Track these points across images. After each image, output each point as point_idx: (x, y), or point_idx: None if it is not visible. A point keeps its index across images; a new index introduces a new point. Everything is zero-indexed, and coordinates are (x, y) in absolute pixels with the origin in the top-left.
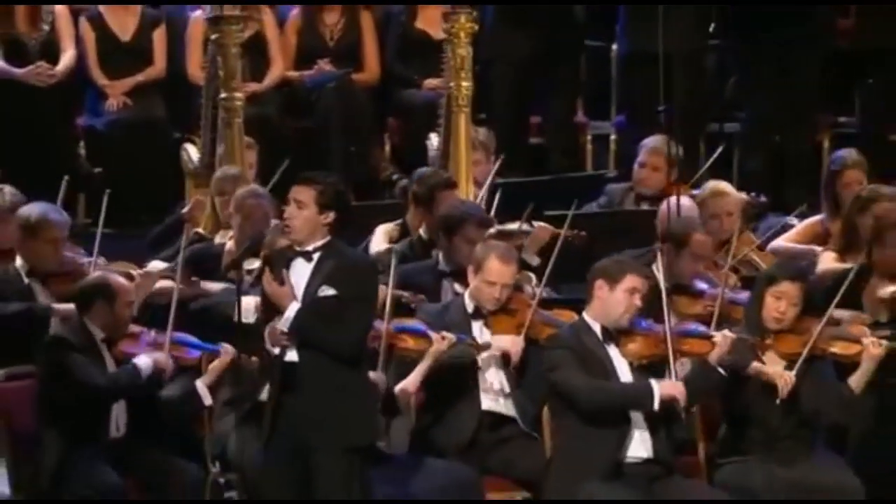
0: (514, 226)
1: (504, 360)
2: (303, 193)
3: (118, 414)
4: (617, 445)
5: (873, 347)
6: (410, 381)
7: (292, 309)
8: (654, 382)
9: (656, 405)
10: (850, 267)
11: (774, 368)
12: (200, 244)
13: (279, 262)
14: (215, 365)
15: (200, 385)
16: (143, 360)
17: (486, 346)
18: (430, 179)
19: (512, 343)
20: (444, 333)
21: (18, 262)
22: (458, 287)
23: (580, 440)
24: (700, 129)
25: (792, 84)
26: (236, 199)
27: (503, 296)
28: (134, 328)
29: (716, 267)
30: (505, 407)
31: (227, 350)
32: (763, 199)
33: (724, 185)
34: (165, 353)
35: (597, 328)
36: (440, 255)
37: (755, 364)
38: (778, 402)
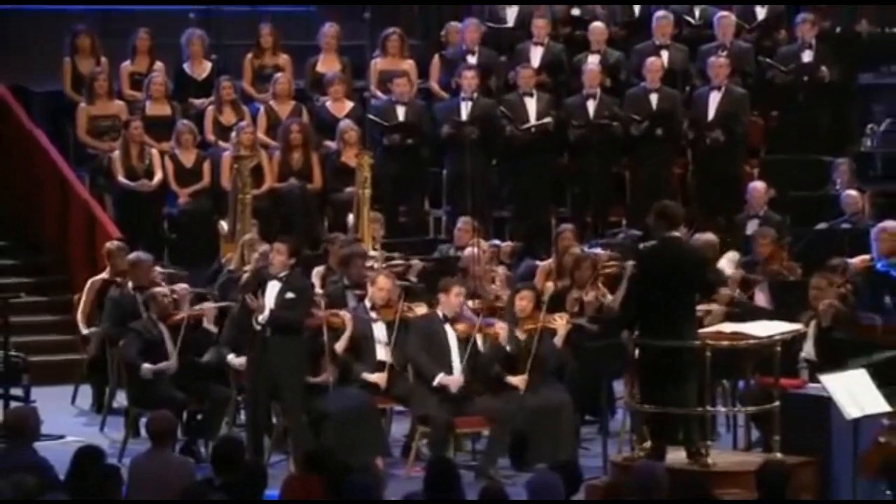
0: (401, 262)
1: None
2: (282, 247)
3: (172, 358)
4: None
5: (559, 320)
6: (342, 343)
7: (266, 312)
8: (441, 375)
9: (435, 384)
10: (561, 286)
11: (519, 378)
12: (232, 273)
13: (260, 278)
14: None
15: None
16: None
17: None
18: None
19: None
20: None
21: (130, 284)
22: (356, 293)
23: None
24: (489, 213)
25: (534, 190)
26: (259, 252)
27: (386, 297)
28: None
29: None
30: (388, 357)
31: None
32: (522, 245)
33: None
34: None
35: (440, 316)
36: (344, 278)
37: (509, 378)
38: (525, 377)
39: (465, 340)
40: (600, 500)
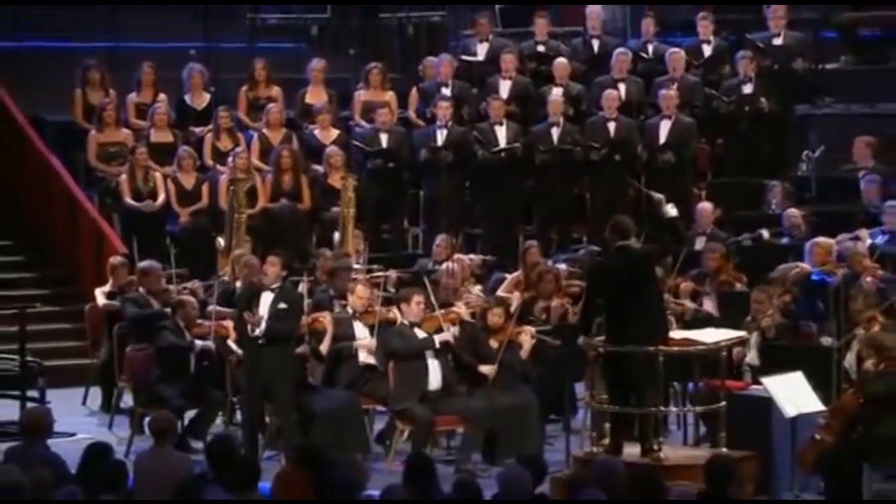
0: (381, 273)
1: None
2: (274, 260)
3: (194, 365)
4: (421, 383)
5: (524, 335)
6: (325, 343)
7: (263, 324)
8: (438, 336)
9: (437, 345)
10: (528, 296)
11: (489, 367)
12: (226, 285)
13: (253, 290)
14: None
15: (231, 342)
16: (198, 343)
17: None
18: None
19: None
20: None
21: (140, 288)
22: (340, 302)
23: (403, 377)
24: (463, 230)
25: (504, 209)
26: (246, 263)
27: (365, 304)
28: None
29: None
30: (369, 359)
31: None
32: (494, 258)
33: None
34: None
35: (407, 322)
36: (330, 287)
37: (480, 367)
38: (495, 369)
39: (434, 334)
40: (563, 493)
